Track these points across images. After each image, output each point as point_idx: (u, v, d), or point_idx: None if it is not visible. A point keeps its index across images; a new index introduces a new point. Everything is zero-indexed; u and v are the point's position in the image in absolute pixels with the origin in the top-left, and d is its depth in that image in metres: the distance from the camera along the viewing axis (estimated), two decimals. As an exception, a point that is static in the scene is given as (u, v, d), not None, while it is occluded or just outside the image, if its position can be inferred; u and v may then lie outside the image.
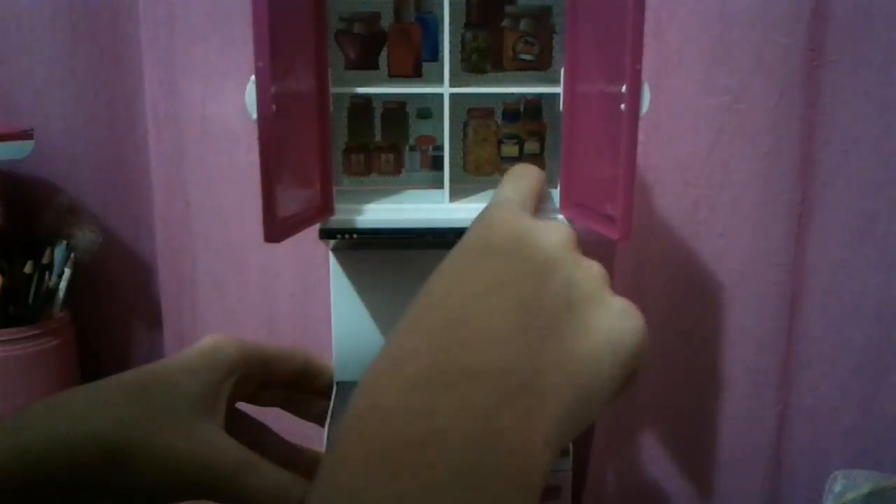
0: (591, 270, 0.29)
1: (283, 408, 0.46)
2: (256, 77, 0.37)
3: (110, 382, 0.36)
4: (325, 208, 0.45)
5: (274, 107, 0.38)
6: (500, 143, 0.49)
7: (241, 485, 0.35)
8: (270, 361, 0.42)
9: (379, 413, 0.23)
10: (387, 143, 0.50)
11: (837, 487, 0.57)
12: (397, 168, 0.50)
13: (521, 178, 0.36)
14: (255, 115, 0.39)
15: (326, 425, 0.46)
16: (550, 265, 0.28)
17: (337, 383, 0.49)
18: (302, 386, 0.45)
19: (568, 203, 0.46)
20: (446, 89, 0.44)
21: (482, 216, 0.31)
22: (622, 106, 0.38)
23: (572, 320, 0.26)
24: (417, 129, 0.50)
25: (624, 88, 0.38)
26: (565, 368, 0.25)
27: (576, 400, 0.25)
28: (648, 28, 0.61)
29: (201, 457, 0.34)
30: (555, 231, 0.29)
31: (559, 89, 0.45)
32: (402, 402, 0.23)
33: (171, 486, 0.34)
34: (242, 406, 0.42)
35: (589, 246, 0.70)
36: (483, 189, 0.47)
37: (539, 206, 0.36)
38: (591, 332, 0.27)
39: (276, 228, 0.40)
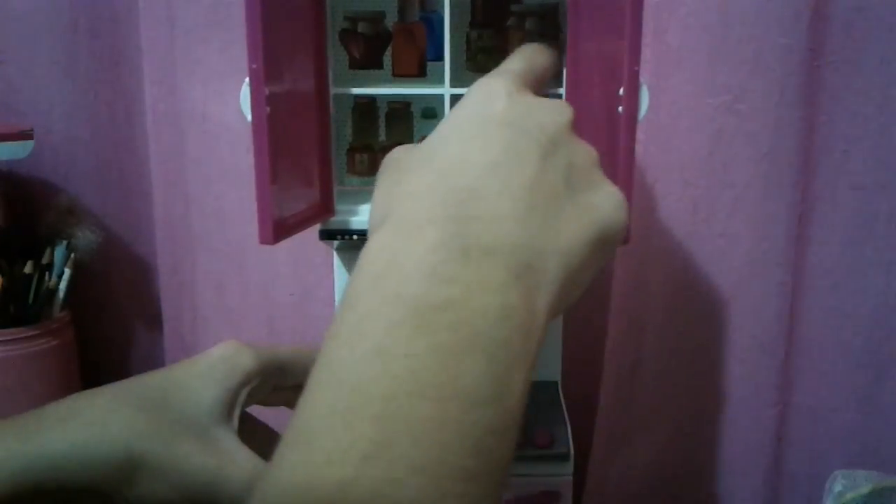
0: (589, 154, 0.29)
1: (290, 406, 0.46)
2: (250, 79, 0.37)
3: (125, 388, 0.36)
4: (326, 209, 0.45)
5: (269, 108, 0.38)
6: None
7: None
8: (286, 366, 0.41)
9: (400, 274, 0.23)
10: (391, 144, 0.50)
11: (837, 487, 0.57)
12: (400, 168, 0.50)
13: (531, 55, 0.34)
14: (249, 117, 0.39)
15: None
16: (553, 145, 0.28)
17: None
18: None
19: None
20: (447, 90, 0.44)
21: (482, 83, 0.30)
22: (620, 108, 0.38)
23: (570, 203, 0.27)
24: (422, 128, 0.50)
25: (622, 90, 0.38)
26: (562, 250, 0.26)
27: (568, 280, 0.26)
28: (648, 28, 0.61)
29: (216, 466, 0.34)
30: (558, 111, 0.29)
31: (561, 90, 0.45)
32: (422, 266, 0.23)
33: (185, 494, 0.33)
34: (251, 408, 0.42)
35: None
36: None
37: (543, 85, 0.35)
38: (586, 215, 0.27)
39: (272, 230, 0.40)
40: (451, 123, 0.29)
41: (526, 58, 0.34)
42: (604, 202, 0.28)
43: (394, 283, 0.23)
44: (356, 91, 0.46)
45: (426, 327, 0.22)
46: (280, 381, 0.41)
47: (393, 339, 0.22)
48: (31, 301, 0.74)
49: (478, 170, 0.26)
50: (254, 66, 0.36)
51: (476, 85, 0.30)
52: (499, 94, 0.29)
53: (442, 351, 0.22)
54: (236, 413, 0.37)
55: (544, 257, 0.25)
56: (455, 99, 0.44)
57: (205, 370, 0.37)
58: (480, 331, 0.22)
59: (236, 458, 0.35)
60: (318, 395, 0.22)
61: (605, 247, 0.28)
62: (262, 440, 0.41)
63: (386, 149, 0.50)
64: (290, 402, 0.46)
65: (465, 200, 0.25)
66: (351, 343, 0.22)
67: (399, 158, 0.30)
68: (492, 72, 0.32)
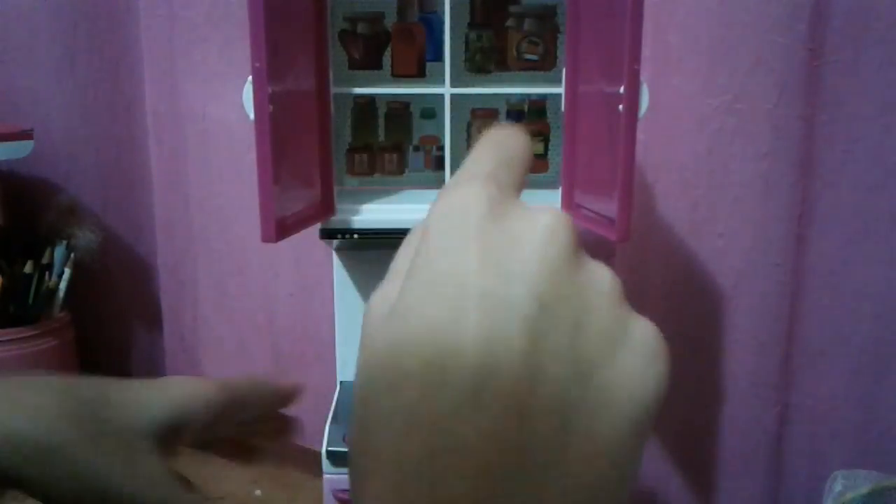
0: (603, 287, 0.21)
1: (233, 458, 0.45)
2: (253, 78, 0.37)
3: (70, 385, 0.36)
4: (326, 208, 0.45)
5: (271, 107, 0.38)
6: (502, 143, 0.49)
7: None
8: (245, 399, 0.41)
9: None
10: (390, 144, 0.50)
11: (837, 487, 0.57)
12: (401, 168, 0.50)
13: (500, 144, 0.24)
14: (252, 116, 0.39)
15: (327, 425, 0.46)
16: (549, 308, 0.19)
17: (340, 382, 0.49)
18: (266, 424, 0.45)
19: (569, 204, 0.46)
20: (447, 89, 0.44)
21: (446, 211, 0.21)
22: (620, 107, 0.38)
23: (586, 399, 0.19)
24: (421, 128, 0.50)
25: (622, 89, 0.38)
26: (576, 478, 0.19)
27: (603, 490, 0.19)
28: (648, 28, 0.61)
29: (129, 476, 0.34)
30: (549, 235, 0.20)
31: (561, 90, 0.45)
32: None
33: (94, 498, 0.33)
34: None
35: (589, 245, 0.70)
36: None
37: (523, 182, 0.24)
38: (613, 410, 0.19)
39: (274, 228, 0.40)
40: (412, 288, 0.20)
41: (493, 149, 0.24)
42: (631, 368, 0.20)
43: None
44: (356, 91, 0.46)
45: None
46: (241, 415, 0.41)
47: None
48: (31, 301, 0.74)
49: (456, 388, 0.18)
50: (257, 64, 0.36)
51: (437, 207, 0.21)
52: (466, 230, 0.20)
53: None
54: (176, 445, 0.37)
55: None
56: (455, 99, 0.45)
57: (153, 394, 0.37)
58: None
59: (153, 479, 0.35)
60: None
61: (648, 426, 0.21)
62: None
63: (385, 149, 0.50)
64: (237, 451, 0.45)
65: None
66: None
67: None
68: (459, 174, 0.23)
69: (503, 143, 0.24)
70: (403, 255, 0.22)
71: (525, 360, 0.18)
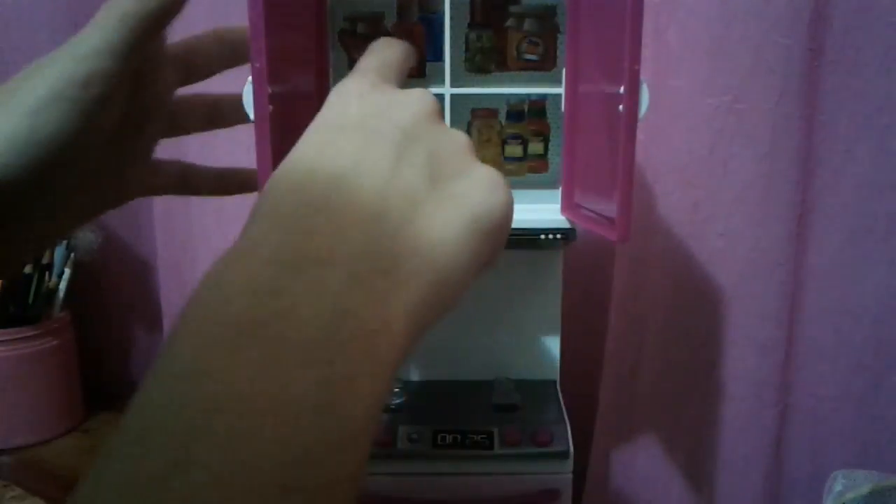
0: (456, 140, 0.28)
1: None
2: (253, 78, 0.37)
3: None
4: (326, 208, 0.45)
5: (271, 107, 0.38)
6: (504, 143, 0.49)
7: None
8: (196, 49, 0.41)
9: (223, 292, 0.22)
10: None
11: (837, 487, 0.57)
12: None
13: (382, 49, 0.33)
14: (252, 116, 0.39)
15: None
16: (411, 139, 0.26)
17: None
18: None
19: (569, 204, 0.46)
20: (447, 90, 0.44)
21: (337, 88, 0.29)
22: (620, 107, 0.38)
23: (432, 197, 0.25)
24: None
25: (622, 89, 0.38)
26: (422, 249, 0.24)
27: (439, 279, 0.25)
28: (648, 28, 0.61)
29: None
30: (416, 101, 0.28)
31: (561, 90, 0.45)
32: (247, 284, 0.22)
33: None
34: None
35: (589, 245, 0.70)
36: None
37: (403, 78, 0.33)
38: (451, 205, 0.26)
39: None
40: (305, 137, 0.27)
41: (378, 53, 0.33)
42: (472, 187, 0.26)
43: (214, 304, 0.22)
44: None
45: (245, 343, 0.20)
46: (192, 65, 0.41)
47: (206, 359, 0.20)
48: (31, 301, 0.74)
49: (323, 184, 0.25)
50: (257, 65, 0.36)
51: (333, 90, 0.29)
52: (350, 96, 0.28)
53: (260, 364, 0.20)
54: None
55: (399, 260, 0.24)
56: (455, 99, 0.45)
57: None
58: (308, 339, 0.21)
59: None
60: (125, 422, 0.20)
61: (485, 235, 0.26)
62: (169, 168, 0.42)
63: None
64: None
65: (307, 216, 0.24)
66: (163, 369, 0.21)
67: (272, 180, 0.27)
68: (350, 73, 0.31)
69: (384, 49, 0.33)
70: None
71: (390, 165, 0.25)
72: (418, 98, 0.28)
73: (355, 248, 0.23)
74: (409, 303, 0.24)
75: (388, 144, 0.26)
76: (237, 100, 0.41)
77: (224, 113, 0.44)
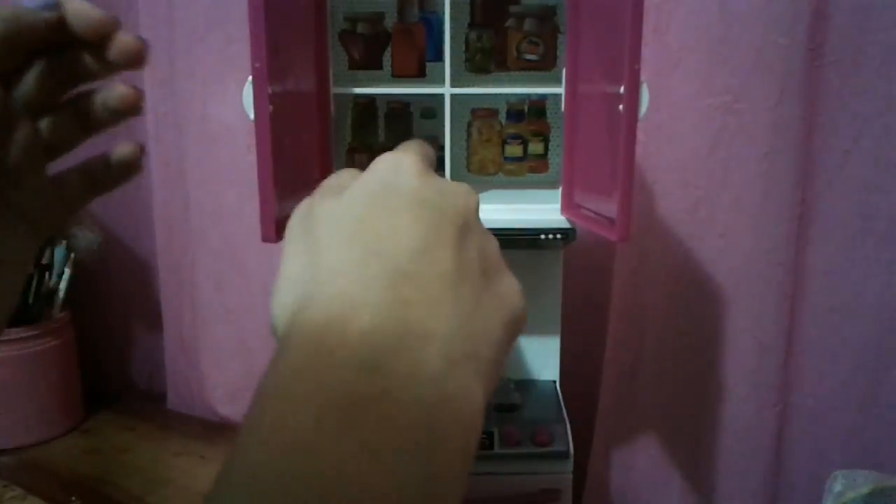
0: (494, 241, 0.29)
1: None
2: (253, 78, 0.37)
3: None
4: (326, 208, 0.45)
5: (271, 107, 0.38)
6: (504, 143, 0.49)
7: None
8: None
9: (330, 362, 0.22)
10: (391, 144, 0.50)
11: (837, 487, 0.57)
12: (400, 168, 0.50)
13: (419, 144, 0.34)
14: (252, 116, 0.39)
15: None
16: (468, 229, 0.27)
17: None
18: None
19: (569, 204, 0.46)
20: (447, 90, 0.44)
21: (391, 157, 0.29)
22: (620, 107, 0.38)
23: (487, 290, 0.27)
24: (422, 128, 0.50)
25: (622, 89, 0.38)
26: (489, 335, 0.25)
27: (499, 364, 0.26)
28: (648, 28, 0.61)
29: None
30: (467, 195, 0.29)
31: (561, 90, 0.45)
32: (353, 355, 0.22)
33: None
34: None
35: (589, 245, 0.70)
36: (486, 189, 0.48)
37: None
38: (499, 301, 0.27)
39: (274, 228, 0.40)
40: (366, 190, 0.27)
41: (415, 146, 0.33)
42: (511, 290, 0.28)
43: (320, 373, 0.22)
44: (356, 91, 0.46)
45: (353, 422, 0.20)
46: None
47: (316, 434, 0.20)
48: (31, 301, 0.74)
49: (409, 252, 0.25)
50: (257, 64, 0.36)
51: (384, 157, 0.29)
52: (411, 169, 0.28)
53: (369, 448, 0.20)
54: None
55: (478, 343, 0.24)
56: (455, 99, 0.45)
57: None
58: (413, 424, 0.21)
59: None
60: (230, 477, 0.20)
61: (516, 334, 0.28)
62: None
63: (385, 148, 0.50)
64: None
65: (400, 284, 0.24)
66: (269, 439, 0.21)
67: (315, 217, 0.27)
68: (395, 150, 0.31)
69: (420, 144, 0.33)
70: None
71: (454, 253, 0.26)
72: (468, 191, 0.29)
73: (447, 324, 0.24)
74: (485, 384, 0.24)
75: (452, 227, 0.26)
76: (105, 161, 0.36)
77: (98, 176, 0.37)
